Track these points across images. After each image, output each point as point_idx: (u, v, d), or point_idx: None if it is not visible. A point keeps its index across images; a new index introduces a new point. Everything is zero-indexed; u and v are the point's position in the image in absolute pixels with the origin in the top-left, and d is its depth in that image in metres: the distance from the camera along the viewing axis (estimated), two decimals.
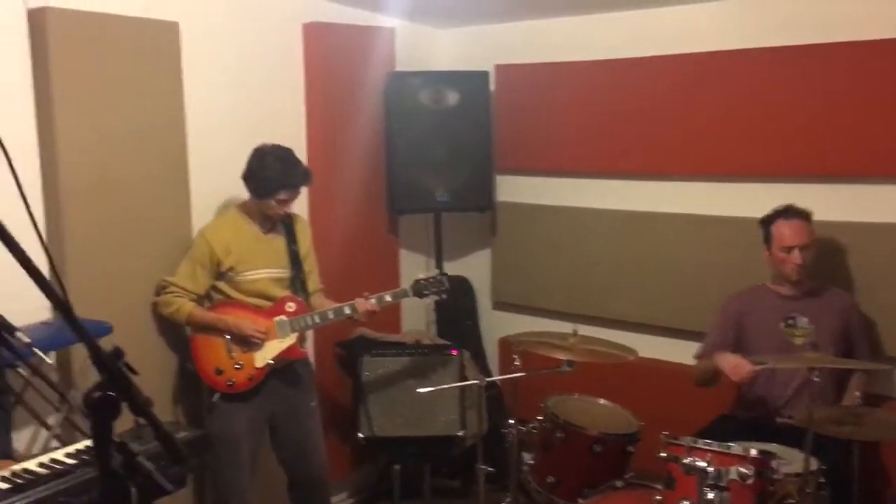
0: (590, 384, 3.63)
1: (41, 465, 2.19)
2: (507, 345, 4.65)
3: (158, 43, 3.57)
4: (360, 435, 4.03)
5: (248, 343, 3.45)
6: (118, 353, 1.29)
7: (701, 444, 2.75)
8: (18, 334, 2.21)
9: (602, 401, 3.56)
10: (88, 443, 2.31)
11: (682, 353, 4.00)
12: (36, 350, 2.24)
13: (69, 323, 1.25)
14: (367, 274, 4.36)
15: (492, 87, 4.76)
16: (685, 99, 4.17)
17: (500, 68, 4.77)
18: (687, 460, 2.71)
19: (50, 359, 2.32)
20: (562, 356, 3.28)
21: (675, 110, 4.21)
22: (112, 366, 1.28)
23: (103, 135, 3.37)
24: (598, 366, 3.38)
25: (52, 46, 3.16)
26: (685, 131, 4.19)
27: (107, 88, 3.38)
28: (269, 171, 3.43)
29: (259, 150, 3.49)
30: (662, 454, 2.80)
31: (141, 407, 1.33)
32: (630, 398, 3.57)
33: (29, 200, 2.96)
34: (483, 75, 4.67)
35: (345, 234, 4.42)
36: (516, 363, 3.37)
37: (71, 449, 2.29)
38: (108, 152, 3.39)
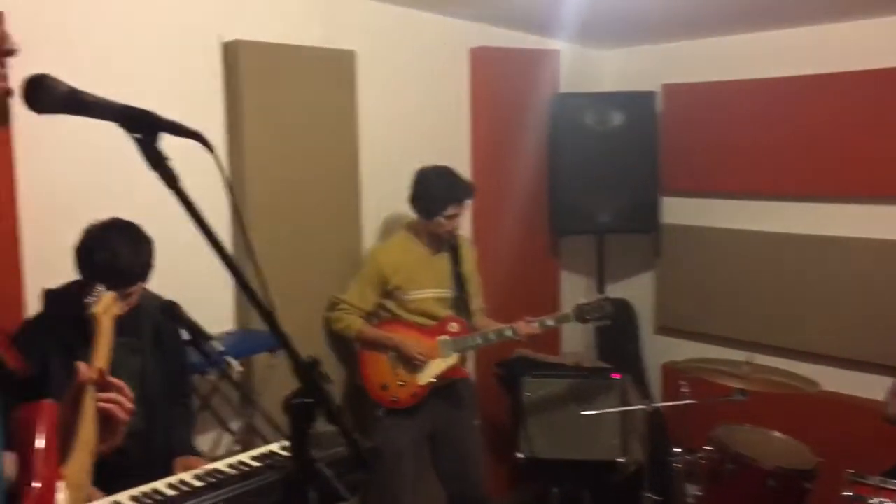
0: (761, 415, 3.47)
1: (230, 466, 2.33)
2: (671, 370, 4.52)
3: (336, 70, 3.75)
4: (520, 455, 4.03)
5: (412, 362, 3.54)
6: (315, 362, 1.36)
7: (892, 484, 2.56)
8: (213, 343, 2.38)
9: (776, 433, 3.38)
10: (272, 447, 2.45)
11: (866, 386, 3.74)
12: (227, 358, 2.39)
13: (275, 334, 1.34)
14: (527, 295, 4.38)
15: (658, 107, 4.68)
16: (866, 116, 3.94)
17: (667, 88, 4.69)
18: (874, 501, 2.53)
19: (239, 366, 2.47)
20: (734, 384, 3.16)
21: (853, 128, 3.98)
22: (309, 374, 1.35)
23: (285, 157, 3.57)
24: (770, 396, 3.22)
25: (244, 75, 3.40)
26: (867, 150, 3.95)
27: (289, 113, 3.58)
28: (435, 189, 3.52)
29: (421, 171, 3.59)
30: (846, 493, 2.63)
31: (333, 414, 1.39)
32: (806, 432, 3.37)
33: (219, 218, 3.18)
34: (649, 96, 4.60)
35: (506, 255, 4.46)
36: (684, 390, 3.28)
37: (255, 452, 2.43)
38: (288, 174, 3.59)
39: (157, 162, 1.23)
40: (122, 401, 1.48)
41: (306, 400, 1.35)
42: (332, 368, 3.79)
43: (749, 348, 3.61)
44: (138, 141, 1.23)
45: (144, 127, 1.22)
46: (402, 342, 3.52)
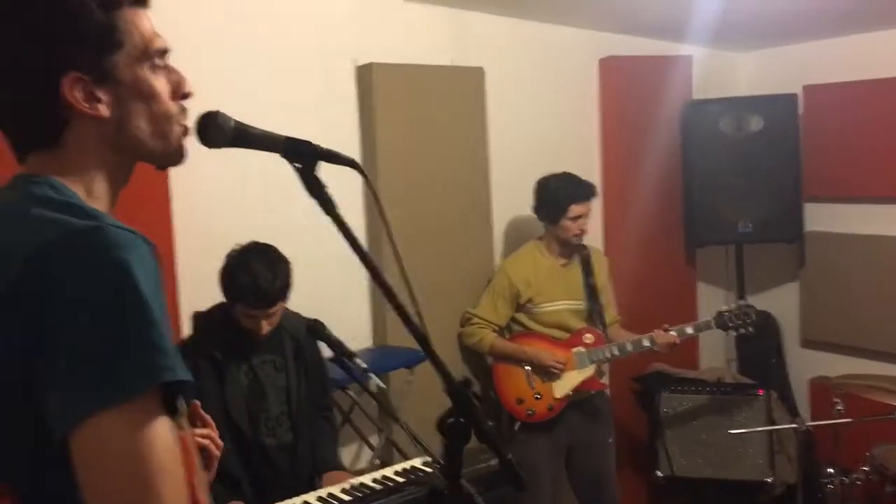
0: None
1: (375, 480, 2.39)
2: (820, 386, 4.30)
3: (466, 87, 3.80)
4: (659, 473, 3.92)
5: (547, 374, 3.51)
6: (467, 383, 1.37)
7: None
8: (357, 360, 2.44)
9: None
10: (413, 462, 2.49)
11: None
12: (371, 375, 2.45)
13: (427, 354, 1.35)
14: (662, 307, 4.26)
15: (799, 109, 4.48)
16: None
17: (809, 89, 4.47)
18: None
19: (382, 383, 2.53)
20: (893, 402, 2.96)
21: None
22: (462, 394, 1.36)
23: (417, 174, 3.63)
24: None
25: (377, 96, 3.49)
26: None
27: (421, 131, 3.65)
28: (556, 192, 3.51)
29: (541, 180, 3.61)
30: None
31: (485, 433, 1.39)
32: None
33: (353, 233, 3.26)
34: (790, 98, 4.39)
35: (640, 267, 4.36)
36: (839, 408, 3.10)
37: (398, 467, 2.47)
38: (420, 191, 3.65)
39: (316, 189, 1.28)
40: (214, 436, 1.47)
41: (460, 419, 1.36)
42: None
43: None
44: (298, 170, 1.28)
45: (304, 156, 1.27)
46: (537, 353, 3.50)
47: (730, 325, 3.46)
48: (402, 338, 3.54)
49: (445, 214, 3.73)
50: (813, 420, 3.82)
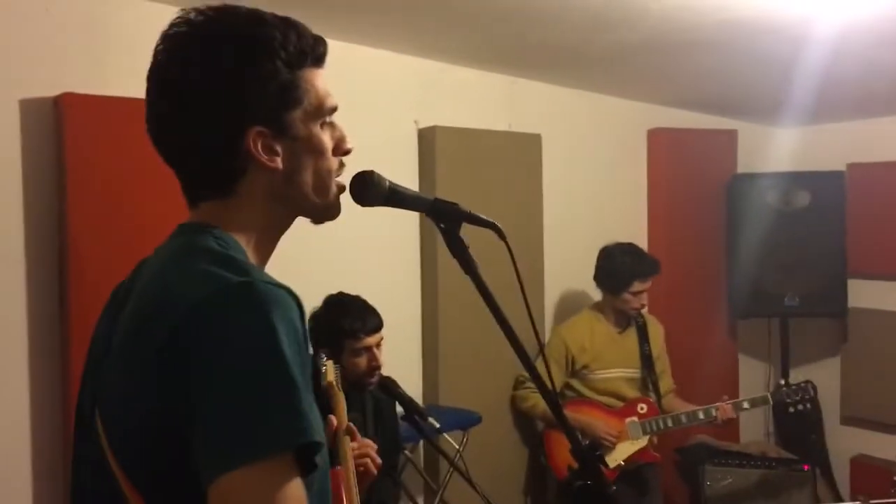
0: None
1: None
2: (862, 464, 4.25)
3: (523, 153, 3.87)
4: None
5: (599, 443, 3.49)
6: (594, 447, 1.38)
7: None
8: (431, 419, 2.44)
9: None
10: None
11: None
12: (445, 435, 2.45)
13: (557, 416, 1.37)
14: (704, 378, 4.24)
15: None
16: None
17: (854, 167, 4.53)
18: None
19: (456, 443, 2.52)
20: None
21: None
22: (589, 458, 1.37)
23: (473, 235, 3.66)
24: None
25: (438, 158, 3.56)
26: None
27: (478, 193, 3.70)
28: (620, 265, 3.53)
29: (606, 248, 3.62)
30: None
31: (609, 497, 1.40)
32: None
33: (409, 294, 3.27)
34: (838, 175, 4.46)
35: (682, 336, 4.35)
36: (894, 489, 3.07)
37: None
38: (475, 251, 3.67)
39: (459, 249, 1.32)
40: (373, 455, 1.55)
41: (588, 482, 1.37)
42: (517, 447, 3.79)
43: None
44: (442, 230, 1.32)
45: (449, 217, 1.31)
46: (590, 423, 3.48)
47: (787, 401, 3.45)
48: (454, 398, 3.55)
49: (500, 276, 3.74)
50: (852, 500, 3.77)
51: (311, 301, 2.64)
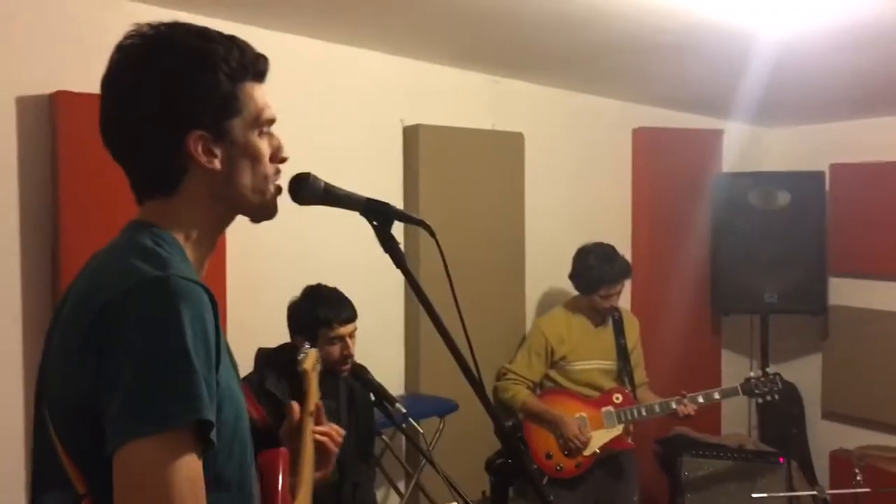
0: None
1: None
2: (840, 458, 4.34)
3: (506, 151, 3.99)
4: None
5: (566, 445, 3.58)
6: (517, 428, 1.51)
7: None
8: (398, 405, 2.57)
9: None
10: None
11: None
12: (411, 420, 2.58)
13: (481, 400, 1.49)
14: (687, 372, 4.35)
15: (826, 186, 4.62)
16: None
17: (835, 168, 4.62)
18: None
19: (419, 427, 2.65)
20: None
21: None
22: (511, 437, 1.49)
23: (456, 230, 3.79)
24: None
25: (422, 155, 3.68)
26: None
27: (461, 190, 3.83)
28: (592, 269, 3.63)
29: (581, 249, 3.72)
30: None
31: (530, 475, 1.52)
32: None
33: (394, 290, 3.37)
34: (818, 175, 4.54)
35: (667, 332, 4.46)
36: (858, 478, 3.17)
37: None
38: (458, 248, 3.79)
39: (390, 245, 1.44)
40: (333, 434, 1.69)
41: (508, 460, 1.48)
42: (492, 434, 3.89)
43: None
44: (375, 227, 1.44)
45: (382, 216, 1.43)
46: (563, 421, 3.56)
47: (756, 391, 3.55)
48: (434, 386, 3.68)
49: (482, 271, 3.87)
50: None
51: (297, 292, 2.77)
